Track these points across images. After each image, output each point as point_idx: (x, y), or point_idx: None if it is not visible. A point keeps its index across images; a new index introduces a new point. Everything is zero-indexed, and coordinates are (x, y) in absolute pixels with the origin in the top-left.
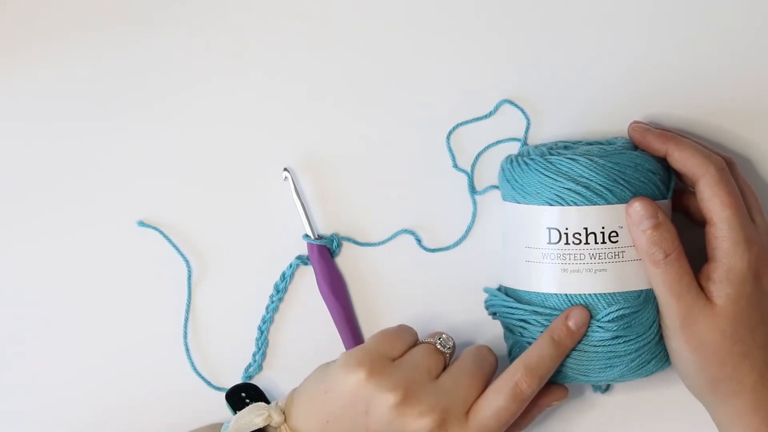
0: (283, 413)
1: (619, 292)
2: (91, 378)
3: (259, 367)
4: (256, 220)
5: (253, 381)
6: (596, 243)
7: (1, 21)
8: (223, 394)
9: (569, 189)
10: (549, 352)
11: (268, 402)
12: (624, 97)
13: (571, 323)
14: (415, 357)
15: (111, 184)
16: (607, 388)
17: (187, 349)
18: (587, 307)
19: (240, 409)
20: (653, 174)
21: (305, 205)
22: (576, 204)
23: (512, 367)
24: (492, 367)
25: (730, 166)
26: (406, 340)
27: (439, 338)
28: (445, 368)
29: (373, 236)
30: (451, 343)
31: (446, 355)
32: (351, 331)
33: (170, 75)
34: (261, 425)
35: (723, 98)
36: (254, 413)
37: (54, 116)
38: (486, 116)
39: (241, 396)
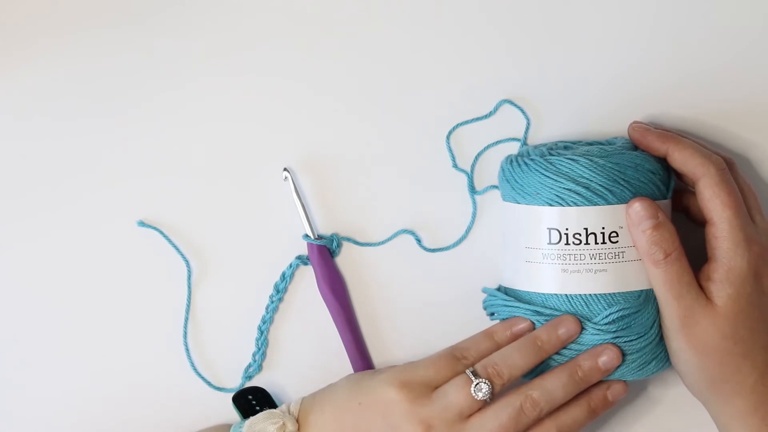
0: (297, 421)
1: (619, 293)
2: (90, 378)
3: (259, 367)
4: (256, 220)
5: (253, 381)
6: (596, 243)
7: (1, 21)
8: (223, 395)
9: (569, 189)
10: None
11: (275, 405)
12: (624, 97)
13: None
14: (450, 395)
15: (111, 183)
16: None
17: (187, 349)
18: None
19: (248, 412)
20: (653, 174)
21: (305, 205)
22: (576, 204)
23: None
24: (528, 424)
25: (730, 167)
26: (455, 369)
27: (476, 384)
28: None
29: (373, 236)
30: (485, 390)
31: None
32: (351, 331)
33: (170, 75)
34: None
35: (723, 98)
36: (268, 421)
37: (54, 116)
38: (486, 116)
39: (248, 399)
